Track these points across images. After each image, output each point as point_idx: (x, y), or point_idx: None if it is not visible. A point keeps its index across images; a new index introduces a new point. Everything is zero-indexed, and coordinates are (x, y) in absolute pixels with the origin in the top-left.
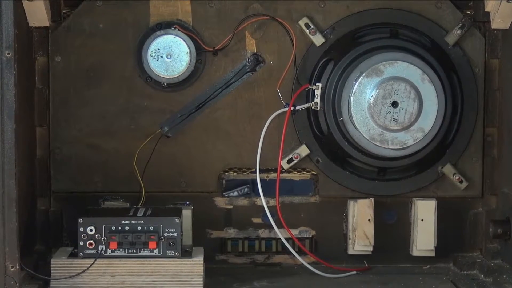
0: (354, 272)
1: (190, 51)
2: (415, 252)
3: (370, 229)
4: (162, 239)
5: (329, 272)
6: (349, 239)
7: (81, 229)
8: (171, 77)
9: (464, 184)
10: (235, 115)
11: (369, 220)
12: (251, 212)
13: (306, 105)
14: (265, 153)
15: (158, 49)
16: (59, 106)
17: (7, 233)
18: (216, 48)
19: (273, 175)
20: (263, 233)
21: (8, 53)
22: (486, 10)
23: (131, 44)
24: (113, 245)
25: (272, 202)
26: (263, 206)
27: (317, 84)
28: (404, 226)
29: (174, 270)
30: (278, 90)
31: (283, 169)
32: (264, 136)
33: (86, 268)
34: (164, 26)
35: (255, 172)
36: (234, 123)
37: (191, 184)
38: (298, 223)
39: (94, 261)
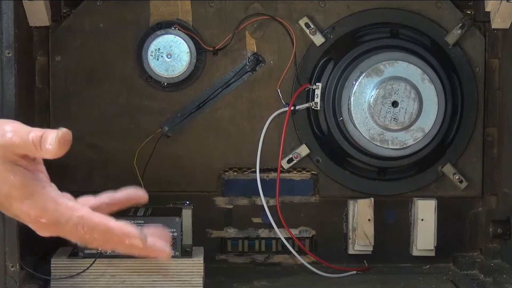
0: (354, 272)
1: (190, 51)
2: (415, 252)
3: (370, 229)
4: None
5: (329, 272)
6: (349, 239)
7: None
8: (171, 76)
9: (464, 184)
10: (235, 115)
11: (369, 220)
12: (251, 212)
13: (306, 105)
14: (265, 152)
15: (158, 48)
16: (59, 106)
17: (7, 233)
18: (216, 48)
19: (273, 175)
20: (263, 232)
21: (8, 53)
22: (486, 10)
23: (131, 44)
24: None
25: (272, 201)
26: (263, 206)
27: (317, 83)
28: (404, 226)
29: (174, 270)
30: (278, 90)
31: (283, 169)
32: (264, 135)
33: (86, 267)
34: (164, 25)
35: (255, 171)
36: (234, 123)
37: (191, 184)
38: (298, 222)
39: (94, 261)
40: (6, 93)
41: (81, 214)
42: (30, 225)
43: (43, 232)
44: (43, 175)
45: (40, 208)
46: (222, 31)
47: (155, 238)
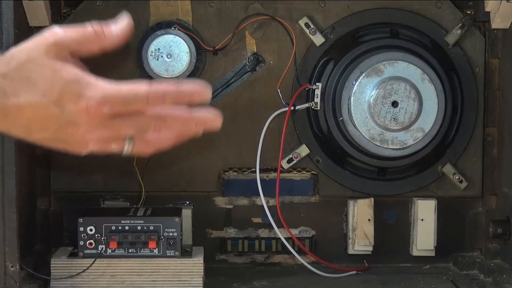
0: (354, 272)
1: (190, 51)
2: (415, 252)
3: (370, 229)
4: (162, 238)
5: (329, 272)
6: (349, 239)
7: (81, 228)
8: (171, 76)
9: (464, 184)
10: (235, 115)
11: (369, 220)
12: (251, 212)
13: (306, 105)
14: (265, 153)
15: (158, 48)
16: None
17: (7, 232)
18: (216, 48)
19: (273, 175)
20: (263, 232)
21: None
22: (486, 10)
23: (131, 44)
24: (113, 244)
25: (272, 201)
26: (263, 206)
27: (317, 83)
28: (404, 226)
29: (174, 269)
30: (278, 90)
31: (283, 169)
32: (264, 136)
33: (86, 267)
34: (164, 25)
35: (255, 171)
36: (234, 123)
37: (191, 184)
38: (298, 222)
39: (94, 261)
40: None
41: (147, 84)
42: (81, 130)
43: (96, 133)
44: (88, 70)
45: (102, 95)
46: (222, 31)
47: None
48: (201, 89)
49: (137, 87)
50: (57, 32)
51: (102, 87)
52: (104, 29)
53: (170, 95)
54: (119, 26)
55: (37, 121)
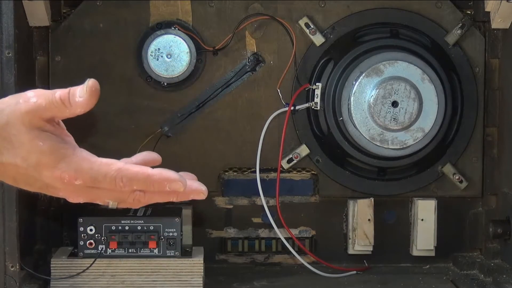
0: (354, 272)
1: (190, 51)
2: (415, 252)
3: (370, 229)
4: (162, 239)
5: (329, 272)
6: (349, 239)
7: (81, 228)
8: (171, 76)
9: (464, 184)
10: (235, 115)
11: (369, 220)
12: (251, 212)
13: (306, 105)
14: (265, 153)
15: (158, 48)
16: None
17: (7, 232)
18: (216, 48)
19: (273, 175)
20: (263, 232)
21: (8, 53)
22: (486, 10)
23: (131, 44)
24: (113, 244)
25: (272, 201)
26: (263, 206)
27: (317, 83)
28: (404, 226)
29: (174, 269)
30: (278, 90)
31: (283, 169)
32: (264, 135)
33: (86, 267)
34: (164, 25)
35: (255, 172)
36: (234, 123)
37: None
38: (298, 222)
39: (94, 261)
40: (6, 93)
41: (118, 167)
42: (61, 193)
43: (76, 197)
44: (70, 138)
45: (74, 169)
46: (222, 31)
47: (188, 179)
48: (173, 179)
49: (108, 167)
50: (30, 100)
51: (76, 161)
52: (69, 96)
53: (138, 181)
54: (83, 91)
55: (21, 178)
